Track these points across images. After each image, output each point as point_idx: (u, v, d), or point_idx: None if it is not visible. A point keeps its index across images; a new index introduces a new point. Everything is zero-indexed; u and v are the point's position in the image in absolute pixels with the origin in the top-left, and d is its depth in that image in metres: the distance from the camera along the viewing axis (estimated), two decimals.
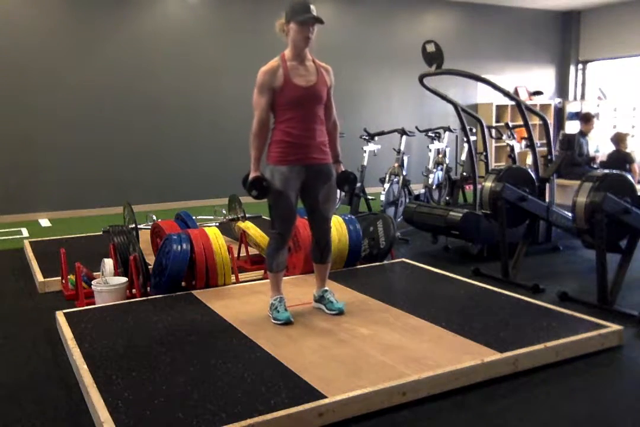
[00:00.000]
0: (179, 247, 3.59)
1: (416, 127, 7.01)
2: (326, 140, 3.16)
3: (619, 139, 7.40)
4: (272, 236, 3.15)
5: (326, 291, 3.32)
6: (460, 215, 4.64)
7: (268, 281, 3.93)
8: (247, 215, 5.07)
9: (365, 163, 6.59)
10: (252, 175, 3.09)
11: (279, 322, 3.09)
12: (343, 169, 3.25)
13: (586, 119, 7.46)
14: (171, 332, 3.01)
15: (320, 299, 3.32)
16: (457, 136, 7.81)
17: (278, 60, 3.02)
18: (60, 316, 3.24)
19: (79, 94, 7.21)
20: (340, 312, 3.23)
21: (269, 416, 2.13)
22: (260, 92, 3.00)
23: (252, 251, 4.57)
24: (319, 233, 3.22)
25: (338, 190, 3.27)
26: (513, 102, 4.87)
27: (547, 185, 4.70)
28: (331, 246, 3.29)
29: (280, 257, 3.15)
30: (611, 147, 7.62)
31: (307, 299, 3.43)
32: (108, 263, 3.95)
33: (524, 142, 6.71)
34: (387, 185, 5.97)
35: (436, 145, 6.96)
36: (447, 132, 7.14)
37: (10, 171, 6.97)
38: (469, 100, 9.84)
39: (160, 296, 3.60)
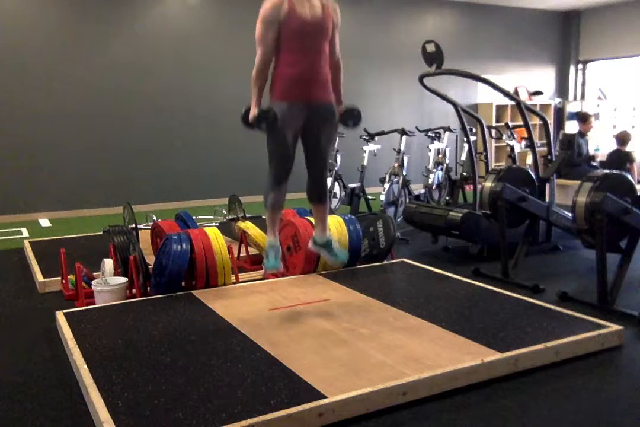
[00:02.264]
0: (179, 247, 3.59)
1: (416, 127, 7.01)
2: (329, 78, 3.12)
3: (623, 139, 7.40)
4: (269, 173, 3.15)
5: (331, 240, 3.33)
6: (460, 215, 4.64)
7: (268, 280, 3.95)
8: (247, 215, 5.07)
9: (365, 163, 6.59)
10: (254, 110, 3.04)
11: (268, 270, 3.11)
12: (348, 107, 3.23)
13: (584, 118, 7.47)
14: (171, 332, 3.01)
15: (325, 244, 3.32)
16: (457, 136, 7.81)
17: None
18: (60, 316, 3.24)
19: (79, 93, 7.21)
20: (342, 264, 3.24)
21: (269, 416, 2.13)
22: (266, 26, 2.94)
23: (252, 251, 4.57)
24: (316, 172, 3.23)
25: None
26: (513, 102, 4.87)
27: (547, 185, 4.70)
28: (327, 185, 3.31)
29: (275, 194, 3.15)
30: (611, 146, 7.62)
31: (307, 299, 3.43)
32: (108, 263, 3.94)
33: (524, 142, 6.71)
34: (387, 185, 5.97)
35: (436, 145, 6.96)
36: (447, 132, 7.14)
37: (10, 171, 6.97)
38: (469, 100, 9.85)
39: (160, 296, 3.60)
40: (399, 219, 5.86)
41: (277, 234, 3.32)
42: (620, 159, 7.26)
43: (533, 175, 4.51)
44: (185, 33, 7.72)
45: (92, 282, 3.66)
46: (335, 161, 6.52)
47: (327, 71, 3.10)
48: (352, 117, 3.24)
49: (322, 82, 3.06)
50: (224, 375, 2.50)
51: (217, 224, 5.54)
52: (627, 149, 7.43)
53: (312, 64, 3.02)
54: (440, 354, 2.65)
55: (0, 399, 2.52)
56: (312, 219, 4.10)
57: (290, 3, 2.93)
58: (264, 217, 5.12)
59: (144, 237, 4.89)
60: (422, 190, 6.60)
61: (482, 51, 9.86)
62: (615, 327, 2.95)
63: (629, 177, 3.58)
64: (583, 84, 11.05)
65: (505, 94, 4.70)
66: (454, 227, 4.67)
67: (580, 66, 10.96)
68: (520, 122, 5.19)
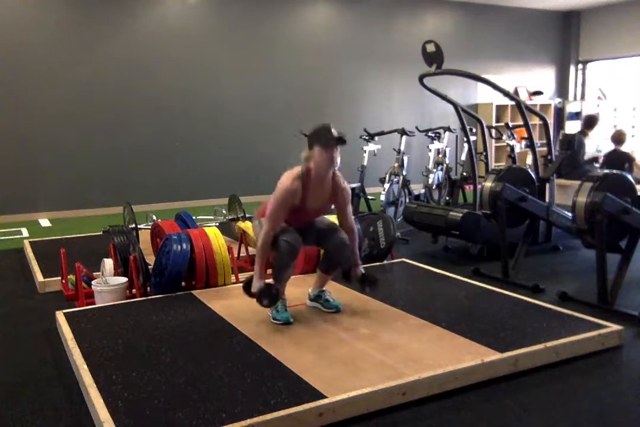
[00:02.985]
0: (179, 247, 3.59)
1: (416, 127, 7.01)
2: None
3: (619, 138, 7.37)
4: (277, 260, 3.10)
5: (323, 290, 3.33)
6: (460, 215, 4.64)
7: (268, 281, 3.94)
8: (247, 215, 5.07)
9: (365, 163, 6.59)
10: (258, 283, 3.05)
11: (278, 322, 3.09)
12: (363, 272, 3.28)
13: (590, 121, 7.40)
14: (171, 332, 3.01)
15: (316, 298, 3.33)
16: (457, 136, 7.81)
17: (299, 180, 3.01)
18: (60, 316, 3.24)
19: (79, 93, 7.21)
20: (338, 310, 3.24)
21: (269, 416, 2.13)
22: (281, 208, 3.02)
23: (252, 251, 4.56)
24: (331, 247, 3.21)
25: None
26: (513, 102, 4.87)
27: (547, 185, 4.70)
28: (341, 262, 3.27)
29: (289, 272, 3.14)
30: (610, 146, 7.62)
31: (307, 299, 3.43)
32: (108, 263, 3.94)
33: (524, 142, 6.70)
34: (387, 185, 5.97)
35: (436, 145, 6.96)
36: (447, 132, 7.14)
37: (10, 171, 6.97)
38: (469, 100, 9.84)
39: (160, 296, 3.60)
40: (399, 219, 5.86)
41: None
42: (619, 159, 7.25)
43: (533, 175, 4.51)
44: (185, 33, 7.72)
45: (92, 282, 3.66)
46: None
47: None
48: (370, 283, 3.27)
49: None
50: (224, 375, 2.50)
51: (217, 224, 5.54)
52: (625, 148, 7.42)
53: (306, 221, 3.20)
54: (440, 354, 2.65)
55: (0, 399, 2.52)
56: None
57: (304, 193, 3.03)
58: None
59: (144, 237, 4.88)
60: (422, 190, 6.60)
61: (482, 51, 9.86)
62: (615, 327, 2.95)
63: (629, 177, 3.58)
64: (583, 84, 11.05)
65: (505, 94, 4.70)
66: (454, 227, 4.67)
67: (580, 66, 10.96)
68: (520, 122, 5.19)
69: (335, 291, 3.63)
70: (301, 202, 3.05)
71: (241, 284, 3.19)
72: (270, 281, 3.13)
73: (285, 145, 7.99)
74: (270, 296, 3.00)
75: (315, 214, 3.22)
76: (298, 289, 3.65)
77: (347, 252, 3.21)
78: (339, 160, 3.01)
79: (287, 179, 3.00)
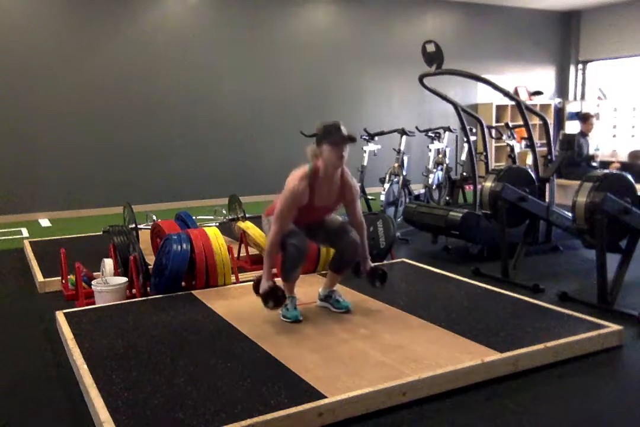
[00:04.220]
0: (179, 247, 3.59)
1: (416, 127, 7.01)
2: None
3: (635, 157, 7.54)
4: (285, 259, 3.10)
5: (334, 290, 3.33)
6: (460, 215, 4.64)
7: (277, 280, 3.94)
8: (247, 215, 5.07)
9: (365, 163, 6.59)
10: (265, 285, 3.04)
11: (287, 320, 3.10)
12: (372, 266, 3.31)
13: (584, 118, 7.48)
14: (171, 332, 3.01)
15: (326, 298, 3.33)
16: (457, 136, 7.81)
17: (307, 179, 3.01)
18: (60, 316, 3.24)
19: (79, 93, 7.21)
20: (347, 311, 3.25)
21: (269, 416, 2.13)
22: (290, 209, 3.02)
23: (252, 251, 4.57)
24: (343, 245, 3.20)
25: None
26: (513, 102, 4.87)
27: (547, 185, 4.70)
28: (354, 261, 3.27)
29: (297, 272, 3.15)
30: (610, 146, 7.70)
31: (307, 299, 3.43)
32: (108, 263, 3.95)
33: (524, 142, 6.71)
34: (387, 185, 5.97)
35: (436, 145, 6.96)
36: (447, 132, 7.13)
37: (11, 171, 6.97)
38: (469, 100, 9.84)
39: (160, 296, 3.60)
40: (399, 219, 5.85)
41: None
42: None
43: (533, 175, 4.51)
44: (185, 33, 7.72)
45: (92, 282, 3.66)
46: None
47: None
48: (380, 277, 3.30)
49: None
50: (224, 375, 2.50)
51: (217, 224, 5.54)
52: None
53: (315, 220, 3.21)
54: (440, 354, 2.65)
55: (0, 399, 2.52)
56: None
57: (312, 192, 3.03)
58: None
59: (144, 237, 4.88)
60: (422, 190, 6.60)
61: (482, 51, 9.85)
62: (615, 327, 2.95)
63: (629, 177, 3.58)
64: (583, 84, 11.04)
65: (505, 94, 4.70)
66: (454, 227, 4.67)
67: (580, 66, 10.96)
68: (520, 122, 5.19)
69: None
70: (309, 200, 3.04)
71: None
72: (278, 280, 3.13)
73: (285, 145, 8.00)
74: (275, 299, 3.00)
75: (324, 211, 3.21)
76: (298, 289, 3.64)
77: (358, 253, 3.22)
78: (346, 158, 3.01)
79: (295, 179, 3.00)
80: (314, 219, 3.20)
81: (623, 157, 9.02)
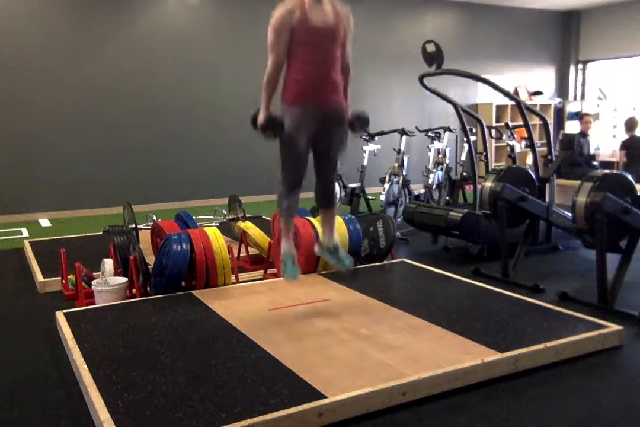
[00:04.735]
0: (179, 247, 3.59)
1: (416, 127, 7.01)
2: (342, 82, 3.12)
3: (632, 125, 7.56)
4: (282, 180, 3.10)
5: (338, 245, 3.32)
6: (460, 215, 4.64)
7: (268, 281, 3.95)
8: (247, 215, 5.07)
9: (365, 163, 6.59)
10: (263, 114, 2.98)
11: (287, 277, 3.14)
12: (356, 114, 3.22)
13: (579, 117, 7.52)
14: (171, 332, 3.01)
15: (332, 250, 3.30)
16: (457, 136, 7.81)
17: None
18: (60, 316, 3.24)
19: (79, 93, 7.21)
20: (347, 270, 3.28)
21: (269, 416, 2.13)
22: (278, 32, 2.93)
23: (252, 250, 4.57)
24: (326, 177, 3.21)
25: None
26: (513, 102, 4.87)
27: (547, 185, 4.70)
28: (336, 190, 3.30)
29: (290, 201, 3.13)
30: (610, 146, 7.70)
31: (307, 299, 3.43)
32: (108, 263, 3.95)
33: (524, 142, 6.71)
34: (387, 185, 5.97)
35: (436, 145, 6.96)
36: (447, 132, 7.14)
37: (11, 171, 6.97)
38: (469, 100, 9.84)
39: (160, 296, 3.60)
40: (399, 219, 5.85)
41: (292, 240, 3.30)
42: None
43: (533, 175, 4.51)
44: (185, 33, 7.72)
45: (92, 282, 3.66)
46: None
47: (338, 76, 3.09)
48: (359, 121, 3.23)
49: (333, 86, 3.05)
50: (224, 375, 2.50)
51: (217, 224, 5.54)
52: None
53: (324, 70, 3.01)
54: (440, 354, 2.65)
55: (0, 399, 2.52)
56: (311, 219, 4.11)
57: (302, 10, 2.91)
58: (264, 217, 5.14)
59: (144, 237, 4.88)
60: (422, 190, 6.60)
61: (482, 51, 9.86)
62: (615, 327, 2.95)
63: (629, 177, 3.58)
64: (583, 84, 11.05)
65: (505, 94, 4.70)
66: (454, 227, 4.67)
67: (580, 66, 10.96)
68: (520, 122, 5.19)
69: (336, 290, 3.64)
70: (304, 20, 2.91)
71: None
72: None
73: None
74: (274, 127, 2.95)
75: (326, 43, 2.99)
76: (298, 289, 3.65)
77: (331, 190, 3.24)
78: None
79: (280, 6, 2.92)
80: (324, 60, 3.00)
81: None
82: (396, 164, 6.12)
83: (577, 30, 10.73)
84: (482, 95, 9.96)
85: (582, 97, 11.03)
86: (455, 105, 5.42)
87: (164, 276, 3.58)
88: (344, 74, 3.17)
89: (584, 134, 7.43)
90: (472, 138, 6.10)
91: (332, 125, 3.08)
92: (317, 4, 2.96)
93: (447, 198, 6.91)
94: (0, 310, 3.74)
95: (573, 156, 7.06)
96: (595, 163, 7.48)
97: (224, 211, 5.55)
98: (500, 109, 10.05)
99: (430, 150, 6.95)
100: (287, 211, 3.17)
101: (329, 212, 3.32)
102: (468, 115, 5.55)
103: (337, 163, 3.22)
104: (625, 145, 7.65)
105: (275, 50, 2.96)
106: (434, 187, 6.74)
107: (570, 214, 3.68)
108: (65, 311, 3.33)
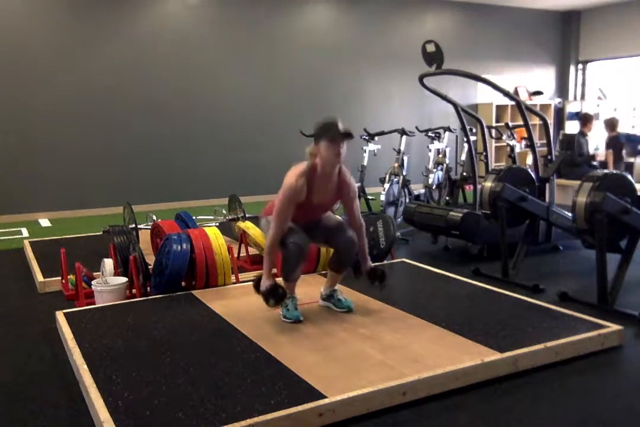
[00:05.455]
0: (179, 247, 3.59)
1: (416, 127, 7.01)
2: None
3: (613, 124, 7.72)
4: (285, 259, 3.09)
5: (335, 290, 3.34)
6: (460, 215, 4.64)
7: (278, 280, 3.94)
8: (247, 215, 5.07)
9: (365, 163, 6.59)
10: (266, 283, 3.03)
11: (288, 320, 3.10)
12: (372, 266, 3.30)
13: (585, 119, 7.49)
14: (171, 332, 3.01)
15: (329, 297, 3.33)
16: (457, 136, 7.81)
17: (305, 176, 2.99)
18: (60, 316, 3.24)
19: (79, 93, 7.21)
20: (349, 310, 3.25)
21: (269, 416, 2.13)
22: (288, 206, 3.01)
23: (252, 251, 4.57)
24: (341, 244, 3.20)
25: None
26: (513, 102, 4.87)
27: (547, 185, 4.70)
28: (353, 258, 3.26)
29: (298, 272, 3.14)
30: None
31: (307, 299, 3.43)
32: (108, 263, 3.94)
33: (524, 142, 6.71)
34: (387, 185, 5.97)
35: (436, 145, 6.96)
36: (447, 132, 7.14)
37: (10, 171, 6.98)
38: (469, 100, 9.84)
39: (160, 296, 3.60)
40: (399, 219, 5.85)
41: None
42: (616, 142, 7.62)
43: (533, 175, 4.51)
44: (185, 33, 7.72)
45: (92, 282, 3.66)
46: None
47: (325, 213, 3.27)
48: (378, 277, 3.28)
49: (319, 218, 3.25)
50: (224, 375, 2.50)
51: (217, 224, 5.54)
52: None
53: (310, 221, 3.19)
54: (440, 354, 2.65)
55: (0, 399, 2.52)
56: None
57: (309, 189, 3.01)
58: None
59: (144, 237, 4.89)
60: (422, 190, 6.60)
61: (482, 51, 9.86)
62: (615, 327, 2.95)
63: (629, 177, 3.58)
64: (583, 84, 11.05)
65: (505, 94, 4.70)
66: (454, 227, 4.67)
67: (580, 66, 10.96)
68: (520, 122, 5.18)
69: None
70: (307, 198, 3.04)
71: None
72: (280, 280, 3.13)
73: (285, 145, 7.99)
74: (276, 296, 2.99)
75: (322, 210, 3.21)
76: (298, 289, 3.64)
77: (355, 251, 3.21)
78: (344, 155, 2.99)
79: (292, 176, 2.99)
80: (310, 218, 3.20)
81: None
82: (396, 164, 6.12)
83: (577, 30, 10.73)
84: (482, 95, 9.96)
85: (582, 97, 11.03)
86: (455, 105, 5.42)
87: (164, 275, 3.58)
88: (356, 229, 3.22)
89: (583, 134, 7.43)
90: (472, 138, 6.10)
91: (320, 222, 3.24)
92: (323, 179, 3.04)
93: (447, 198, 6.91)
94: (0, 310, 3.74)
95: (573, 156, 7.06)
96: (595, 163, 7.47)
97: (224, 211, 5.55)
98: (500, 109, 10.05)
99: (430, 150, 6.95)
100: (294, 279, 3.17)
101: (338, 275, 3.33)
102: (468, 115, 5.55)
103: (348, 229, 3.18)
104: (611, 144, 7.78)
105: (280, 218, 3.02)
106: (434, 187, 6.74)
107: (570, 214, 3.68)
108: (65, 311, 3.33)
